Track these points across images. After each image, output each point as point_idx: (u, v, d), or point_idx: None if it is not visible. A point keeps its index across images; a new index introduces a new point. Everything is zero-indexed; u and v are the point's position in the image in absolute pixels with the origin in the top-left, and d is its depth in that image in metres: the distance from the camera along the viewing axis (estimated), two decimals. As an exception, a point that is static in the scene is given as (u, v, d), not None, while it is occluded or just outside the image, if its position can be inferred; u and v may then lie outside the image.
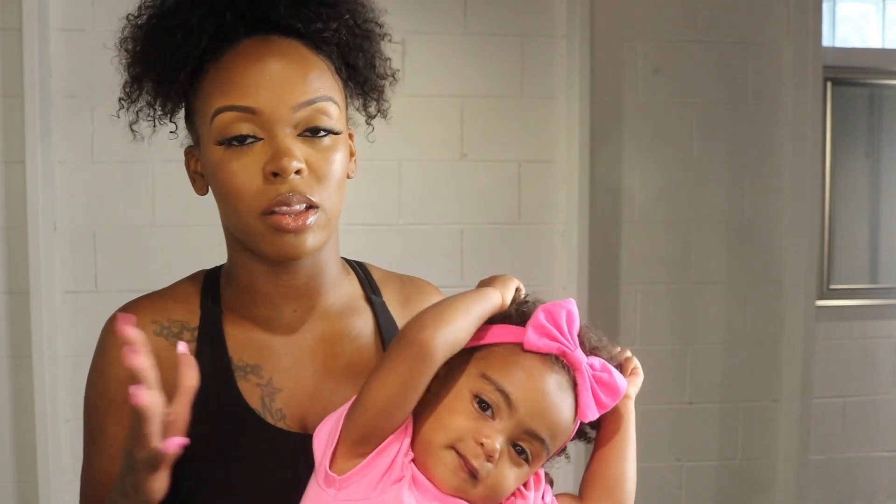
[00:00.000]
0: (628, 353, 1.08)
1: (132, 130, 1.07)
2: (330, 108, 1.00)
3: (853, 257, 3.30)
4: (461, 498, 0.93)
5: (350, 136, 1.09)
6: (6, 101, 2.58)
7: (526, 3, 2.83)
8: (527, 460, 0.95)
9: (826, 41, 3.12)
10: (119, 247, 2.66)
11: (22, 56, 2.53)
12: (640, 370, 1.08)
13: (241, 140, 0.97)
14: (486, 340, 0.99)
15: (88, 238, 2.65)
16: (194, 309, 1.07)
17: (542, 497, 1.01)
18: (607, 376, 0.98)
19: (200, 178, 1.06)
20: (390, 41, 1.12)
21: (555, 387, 0.95)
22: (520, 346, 0.97)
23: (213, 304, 1.07)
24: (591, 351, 1.01)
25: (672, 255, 2.99)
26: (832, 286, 3.19)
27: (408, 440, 0.94)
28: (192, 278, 1.12)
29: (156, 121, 1.07)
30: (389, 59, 1.12)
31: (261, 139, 0.97)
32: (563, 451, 1.03)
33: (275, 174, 0.95)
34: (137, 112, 1.06)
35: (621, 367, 1.05)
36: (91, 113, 2.60)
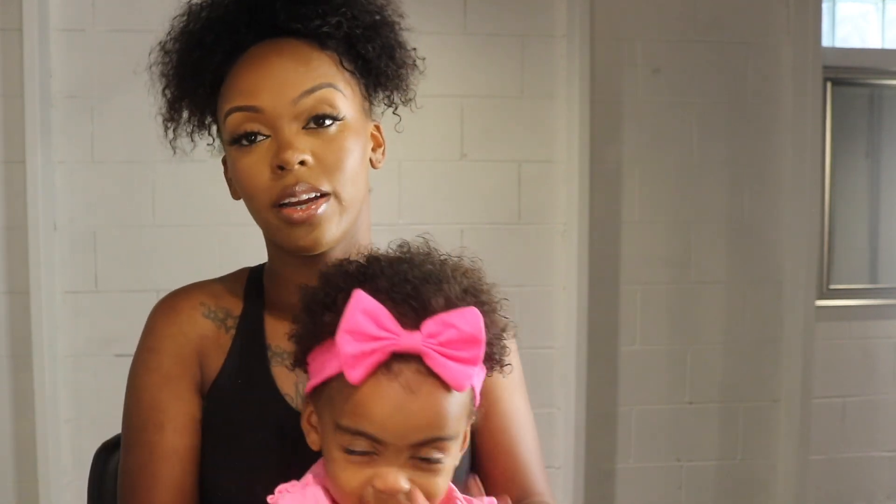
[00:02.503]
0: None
1: (172, 147, 1.12)
2: (332, 95, 1.02)
3: (853, 257, 3.30)
4: None
5: (377, 127, 1.13)
6: (6, 101, 2.58)
7: (526, 3, 2.83)
8: (443, 456, 0.85)
9: (826, 41, 3.11)
10: (119, 247, 2.66)
11: (22, 56, 2.52)
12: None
13: (249, 138, 1.01)
14: (317, 378, 0.88)
15: (88, 238, 2.65)
16: (238, 300, 1.11)
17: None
18: (454, 332, 0.82)
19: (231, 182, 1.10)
20: (403, 29, 1.13)
21: (405, 393, 0.82)
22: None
23: (256, 297, 1.11)
24: (445, 307, 0.85)
25: (672, 255, 2.99)
26: (832, 286, 3.19)
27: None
28: (236, 274, 1.15)
29: (192, 135, 1.12)
30: (414, 48, 1.14)
31: (268, 136, 1.01)
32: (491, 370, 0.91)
33: (280, 168, 0.99)
34: (174, 130, 1.11)
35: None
36: (91, 113, 2.60)
